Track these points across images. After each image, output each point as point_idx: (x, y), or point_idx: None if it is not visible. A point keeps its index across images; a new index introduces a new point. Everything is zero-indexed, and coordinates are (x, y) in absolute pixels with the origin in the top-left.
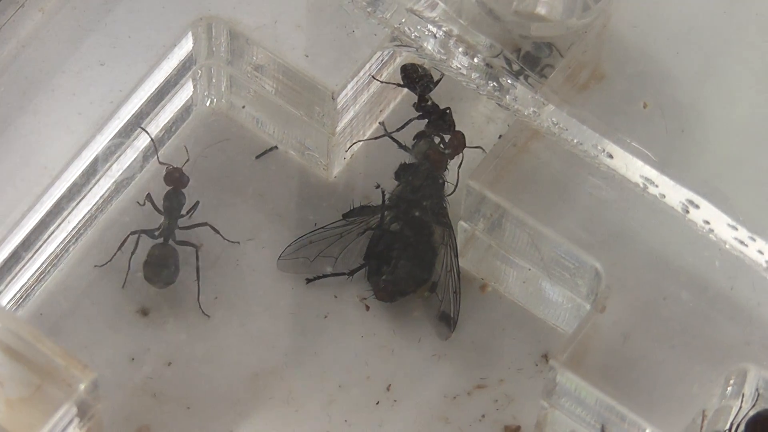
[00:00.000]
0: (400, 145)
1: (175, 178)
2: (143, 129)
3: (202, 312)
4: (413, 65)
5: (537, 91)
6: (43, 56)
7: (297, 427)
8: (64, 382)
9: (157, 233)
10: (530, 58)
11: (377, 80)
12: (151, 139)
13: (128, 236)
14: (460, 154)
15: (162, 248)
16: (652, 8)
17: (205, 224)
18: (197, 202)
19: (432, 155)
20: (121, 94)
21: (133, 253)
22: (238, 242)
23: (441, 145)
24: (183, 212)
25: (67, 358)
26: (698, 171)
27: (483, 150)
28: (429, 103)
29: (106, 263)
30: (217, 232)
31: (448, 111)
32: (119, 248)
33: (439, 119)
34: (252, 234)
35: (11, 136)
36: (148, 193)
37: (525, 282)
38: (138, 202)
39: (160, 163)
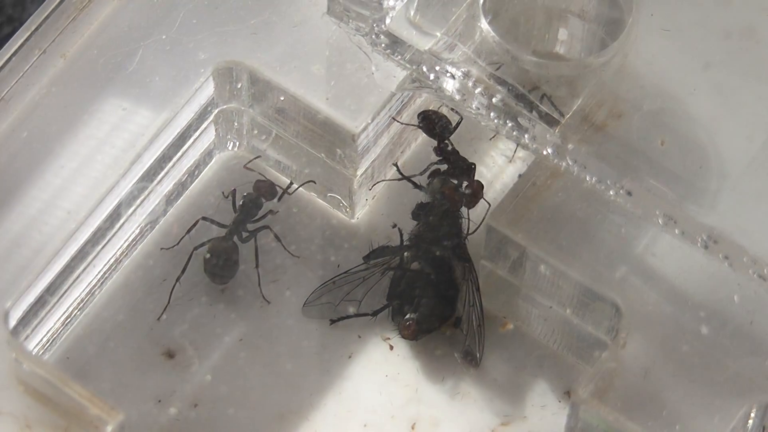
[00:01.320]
0: (415, 185)
1: (266, 189)
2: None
3: (263, 297)
4: (431, 111)
5: (555, 130)
6: (65, 102)
7: None
8: (92, 424)
9: (228, 224)
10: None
11: (398, 122)
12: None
13: (198, 221)
14: (484, 202)
15: (224, 242)
16: (669, 46)
17: (266, 227)
18: (271, 211)
19: (447, 192)
20: (144, 139)
21: (188, 231)
22: (299, 256)
23: (456, 183)
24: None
25: (93, 401)
26: (717, 207)
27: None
28: (449, 148)
29: (173, 246)
30: (279, 239)
31: (473, 166)
32: (187, 233)
33: (457, 164)
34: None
35: (35, 182)
36: (234, 189)
37: (546, 320)
38: (222, 193)
39: (245, 168)
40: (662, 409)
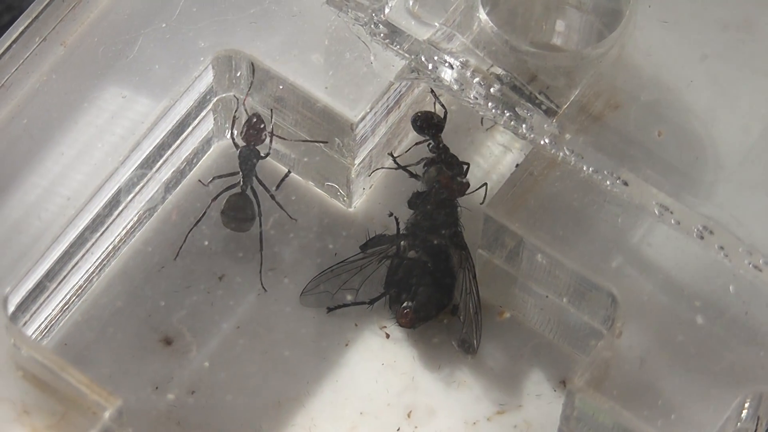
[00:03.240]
0: (412, 174)
1: (251, 135)
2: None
3: (261, 284)
4: (422, 114)
5: (553, 120)
6: (65, 89)
7: None
8: (90, 410)
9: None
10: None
11: (393, 159)
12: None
13: (212, 179)
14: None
15: (239, 197)
16: (666, 38)
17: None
18: (289, 172)
19: (443, 181)
20: (143, 126)
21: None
22: (296, 219)
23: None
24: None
25: (91, 387)
26: (713, 198)
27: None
28: (441, 145)
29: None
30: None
31: (467, 166)
32: (212, 181)
33: (449, 161)
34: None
35: (35, 168)
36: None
37: (542, 309)
38: (200, 181)
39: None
40: (657, 399)
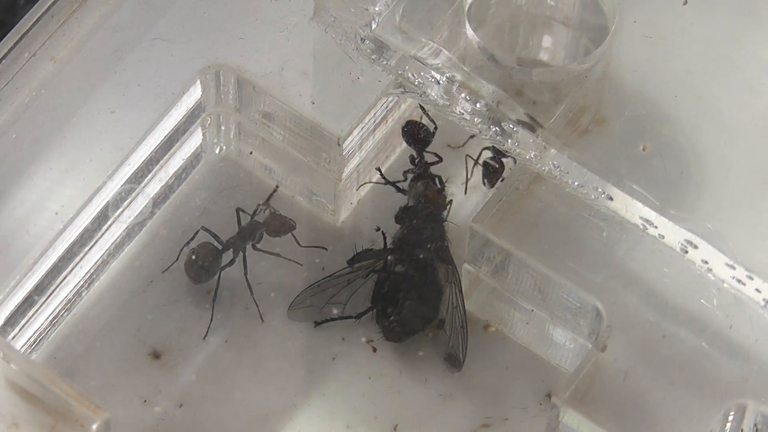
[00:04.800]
0: (399, 189)
1: (275, 226)
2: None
3: (260, 316)
4: (414, 123)
5: (539, 135)
6: (54, 104)
7: None
8: (77, 422)
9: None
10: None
11: (381, 174)
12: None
13: (198, 231)
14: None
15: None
16: (652, 53)
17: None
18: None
19: (430, 195)
20: (132, 141)
21: (188, 242)
22: (301, 264)
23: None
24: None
25: (80, 399)
26: (697, 212)
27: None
28: (420, 160)
29: (172, 265)
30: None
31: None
32: (186, 244)
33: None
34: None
35: (24, 183)
36: (239, 208)
37: (528, 323)
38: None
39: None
40: (642, 412)
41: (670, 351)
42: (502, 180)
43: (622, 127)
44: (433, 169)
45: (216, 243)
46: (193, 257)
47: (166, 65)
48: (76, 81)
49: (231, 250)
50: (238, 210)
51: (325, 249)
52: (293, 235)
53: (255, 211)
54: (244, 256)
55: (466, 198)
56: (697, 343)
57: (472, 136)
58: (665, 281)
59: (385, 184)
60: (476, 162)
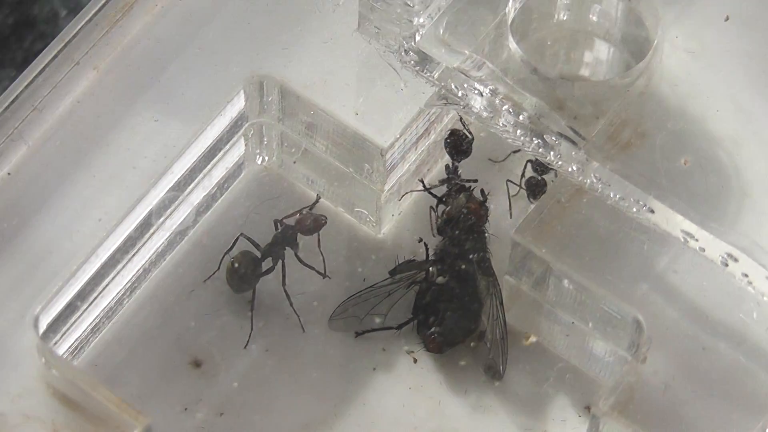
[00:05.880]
0: (441, 200)
1: (306, 225)
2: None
3: (301, 325)
4: (458, 134)
5: (581, 148)
6: (97, 112)
7: None
8: (118, 429)
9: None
10: None
11: (424, 186)
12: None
13: (238, 238)
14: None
15: (246, 256)
16: (693, 67)
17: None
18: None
19: (472, 207)
20: (175, 150)
21: (228, 250)
22: (330, 277)
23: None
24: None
25: (121, 406)
26: (737, 225)
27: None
28: (459, 173)
29: (214, 273)
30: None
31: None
32: (227, 252)
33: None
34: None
35: (67, 191)
36: (276, 220)
37: (568, 335)
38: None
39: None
40: (681, 424)
41: (710, 364)
42: (543, 193)
43: (663, 141)
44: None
45: (255, 250)
46: (234, 266)
47: (209, 75)
48: (119, 90)
49: (270, 258)
50: (275, 221)
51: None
52: (318, 236)
53: (289, 215)
54: (283, 264)
55: (506, 210)
56: (736, 356)
57: (515, 152)
58: (705, 294)
59: (424, 190)
60: (522, 175)
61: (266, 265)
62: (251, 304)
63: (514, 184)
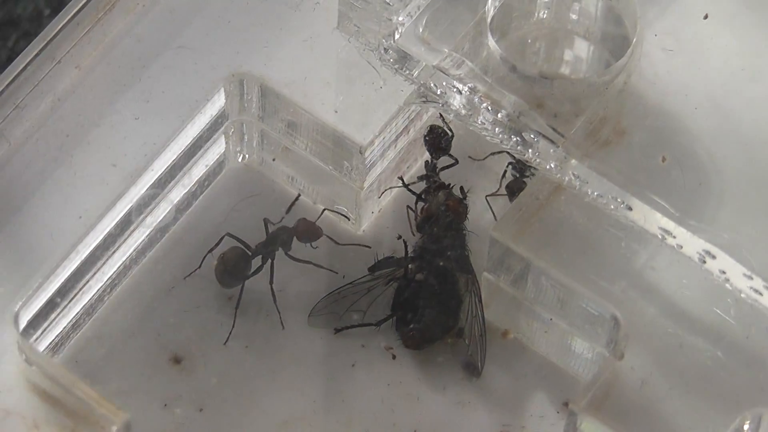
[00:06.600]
0: (420, 198)
1: (304, 231)
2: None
3: (281, 322)
4: (437, 131)
5: (559, 146)
6: (79, 110)
7: None
8: (98, 425)
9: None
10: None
11: (403, 183)
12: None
13: (222, 237)
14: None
15: (238, 251)
16: (672, 65)
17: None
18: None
19: (451, 205)
20: (155, 148)
21: (212, 249)
22: (336, 272)
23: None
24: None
25: (100, 402)
26: (715, 223)
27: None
28: (437, 169)
29: (195, 270)
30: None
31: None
32: (210, 251)
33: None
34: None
35: (48, 188)
36: (266, 219)
37: (547, 332)
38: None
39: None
40: (658, 420)
41: (687, 360)
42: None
43: (641, 139)
44: (452, 177)
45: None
46: (224, 260)
47: (190, 73)
48: (100, 88)
49: (260, 256)
50: (265, 221)
51: (369, 247)
52: (328, 236)
53: (281, 220)
54: (272, 263)
55: (486, 208)
56: (713, 353)
57: (493, 153)
58: (683, 291)
59: (402, 186)
60: (503, 177)
61: (255, 263)
62: (237, 301)
63: (489, 205)
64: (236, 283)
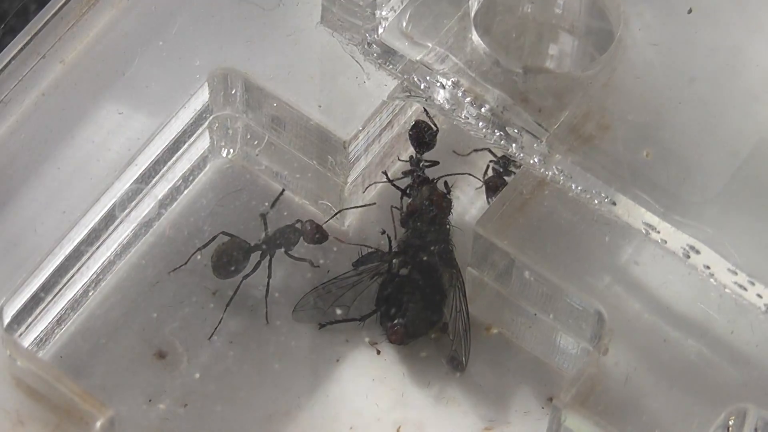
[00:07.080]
0: (405, 193)
1: (311, 233)
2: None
3: (265, 316)
4: (422, 126)
5: (543, 140)
6: (63, 105)
7: None
8: (82, 420)
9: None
10: None
11: (387, 178)
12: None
13: (216, 236)
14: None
15: (238, 243)
16: (656, 60)
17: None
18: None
19: (436, 200)
20: (139, 142)
21: (202, 247)
22: (318, 266)
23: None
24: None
25: (84, 397)
26: (699, 218)
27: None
28: (422, 164)
29: (183, 265)
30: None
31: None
32: (202, 247)
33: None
34: (266, 280)
35: (32, 183)
36: (263, 214)
37: (531, 327)
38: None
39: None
40: (642, 415)
41: (672, 355)
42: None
43: (625, 133)
44: (433, 171)
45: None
46: (223, 249)
47: (174, 68)
48: (85, 83)
49: (258, 253)
50: (262, 215)
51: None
52: (336, 237)
53: (267, 214)
54: (271, 261)
55: (470, 202)
56: (698, 348)
57: (476, 150)
58: (667, 286)
59: (390, 182)
60: (485, 174)
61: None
62: (230, 297)
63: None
64: (234, 274)
